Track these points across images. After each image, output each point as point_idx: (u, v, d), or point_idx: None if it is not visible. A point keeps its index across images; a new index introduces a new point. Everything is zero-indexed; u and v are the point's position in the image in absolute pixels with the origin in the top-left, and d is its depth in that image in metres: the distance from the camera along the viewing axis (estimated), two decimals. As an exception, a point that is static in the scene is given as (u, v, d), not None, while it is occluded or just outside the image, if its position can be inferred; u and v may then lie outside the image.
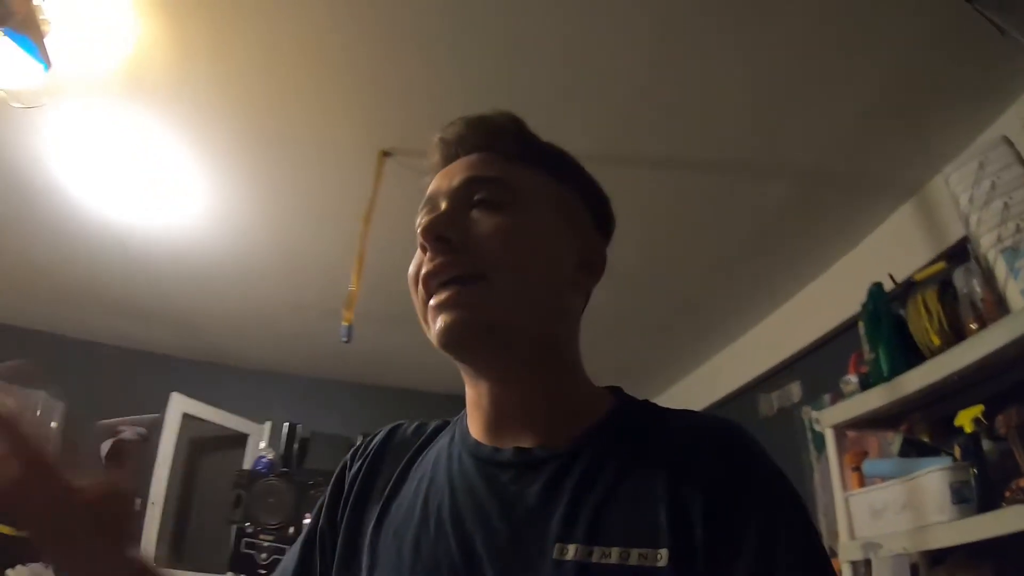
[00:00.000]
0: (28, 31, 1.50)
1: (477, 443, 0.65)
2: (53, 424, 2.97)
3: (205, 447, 3.27)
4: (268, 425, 3.31)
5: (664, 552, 0.51)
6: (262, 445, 3.24)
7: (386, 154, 2.01)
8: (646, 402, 0.67)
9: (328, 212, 2.34)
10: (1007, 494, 1.42)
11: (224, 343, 3.23)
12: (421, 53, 1.72)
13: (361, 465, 0.71)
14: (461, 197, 0.64)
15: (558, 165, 0.70)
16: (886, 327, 1.79)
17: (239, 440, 3.29)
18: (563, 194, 0.68)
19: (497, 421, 0.64)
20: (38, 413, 2.95)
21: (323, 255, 2.54)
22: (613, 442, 0.61)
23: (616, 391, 0.68)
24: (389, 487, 0.67)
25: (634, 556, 0.52)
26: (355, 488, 0.69)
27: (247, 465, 3.20)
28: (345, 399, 3.52)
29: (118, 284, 2.66)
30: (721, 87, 1.78)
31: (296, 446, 3.24)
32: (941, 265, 1.84)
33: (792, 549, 0.52)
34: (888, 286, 1.96)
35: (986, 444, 1.54)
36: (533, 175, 0.67)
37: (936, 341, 1.65)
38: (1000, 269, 1.58)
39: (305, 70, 1.79)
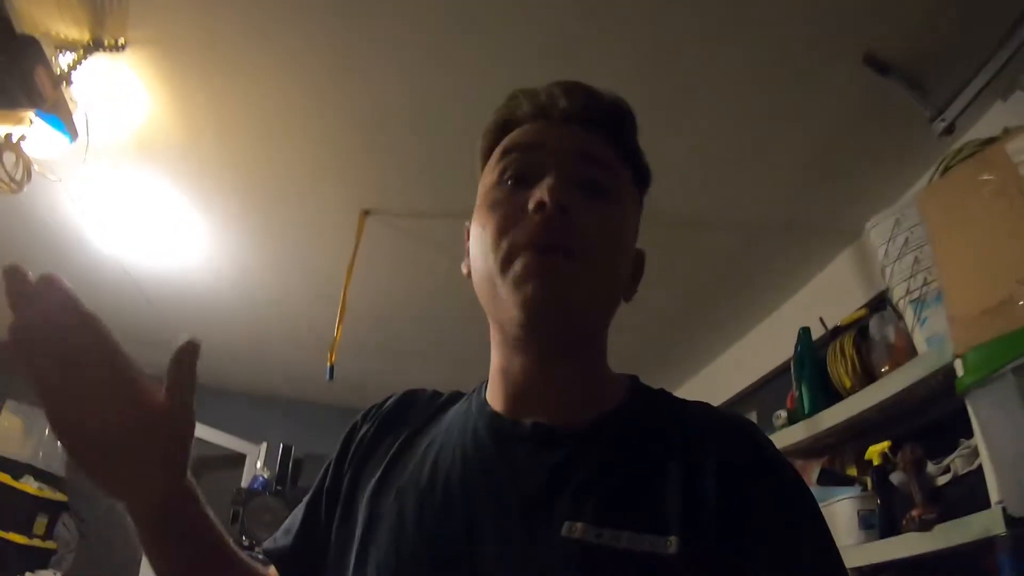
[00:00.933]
0: (57, 111, 1.74)
1: (495, 414, 0.64)
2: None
3: (205, 466, 3.45)
4: (264, 446, 3.49)
5: (674, 539, 0.50)
6: (258, 465, 3.43)
7: (367, 213, 2.25)
8: (662, 391, 0.67)
9: (314, 258, 2.58)
10: (904, 522, 1.60)
11: (224, 369, 3.45)
12: (399, 128, 1.95)
13: (371, 426, 0.71)
14: (571, 169, 0.62)
15: (642, 173, 0.71)
16: (809, 368, 1.99)
17: (237, 460, 3.48)
18: (637, 201, 0.70)
19: (524, 395, 0.63)
20: (47, 432, 3.13)
21: (310, 293, 2.78)
22: (630, 427, 0.60)
23: (633, 379, 0.68)
24: (396, 447, 0.66)
25: (644, 542, 0.51)
26: (362, 447, 0.69)
27: (244, 483, 3.37)
28: (335, 422, 3.68)
29: (128, 315, 2.87)
30: (674, 149, 1.96)
31: (290, 466, 3.42)
32: (863, 312, 2.03)
33: (811, 545, 0.53)
34: (821, 329, 2.16)
35: (896, 476, 1.70)
36: (627, 174, 0.67)
37: (847, 383, 1.83)
38: (909, 318, 1.72)
39: (296, 139, 2.03)
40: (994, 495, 1.33)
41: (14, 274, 0.48)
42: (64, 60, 1.74)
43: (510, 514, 0.55)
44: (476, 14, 1.63)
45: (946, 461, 1.58)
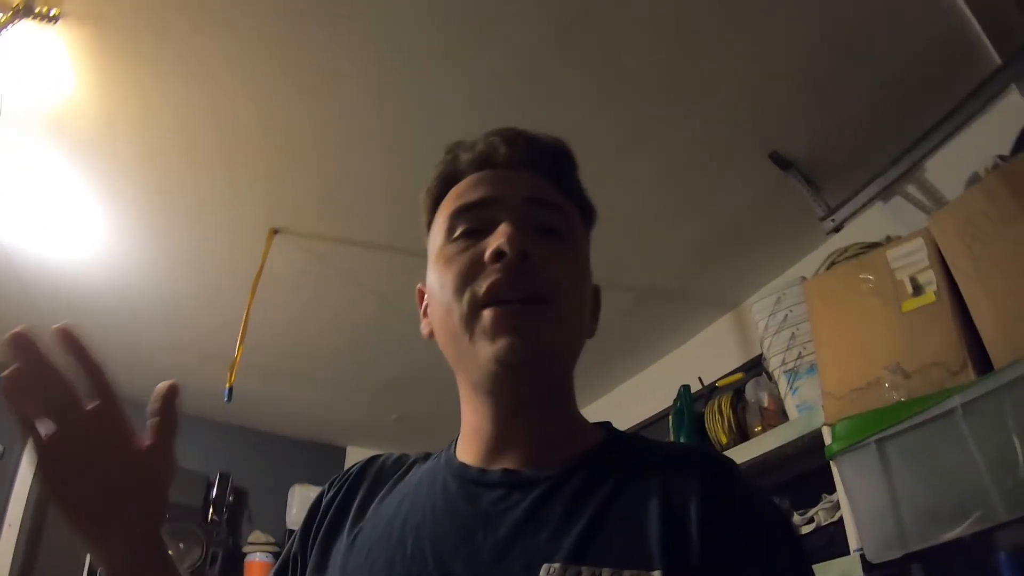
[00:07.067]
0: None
1: (463, 465, 0.61)
2: None
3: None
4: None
5: (658, 574, 0.48)
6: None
7: (276, 231, 2.12)
8: (637, 434, 0.65)
9: (214, 271, 2.37)
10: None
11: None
12: (315, 147, 1.88)
13: (337, 491, 0.68)
14: (524, 215, 0.61)
15: (588, 210, 0.70)
16: (688, 422, 2.11)
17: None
18: (587, 239, 0.69)
19: (496, 446, 0.60)
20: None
21: (205, 306, 2.54)
22: (605, 466, 0.58)
23: (606, 425, 0.66)
24: (365, 508, 0.64)
25: None
26: (330, 512, 0.66)
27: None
28: (207, 436, 3.35)
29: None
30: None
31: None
32: (739, 375, 2.21)
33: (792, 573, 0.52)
34: (698, 386, 2.32)
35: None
36: (576, 212, 0.66)
37: (723, 439, 1.97)
38: (783, 385, 1.89)
39: (213, 149, 1.89)
40: (853, 543, 1.50)
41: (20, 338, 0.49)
42: (-15, 19, 1.50)
43: (484, 562, 0.52)
44: (447, 55, 1.63)
45: (810, 512, 1.75)
